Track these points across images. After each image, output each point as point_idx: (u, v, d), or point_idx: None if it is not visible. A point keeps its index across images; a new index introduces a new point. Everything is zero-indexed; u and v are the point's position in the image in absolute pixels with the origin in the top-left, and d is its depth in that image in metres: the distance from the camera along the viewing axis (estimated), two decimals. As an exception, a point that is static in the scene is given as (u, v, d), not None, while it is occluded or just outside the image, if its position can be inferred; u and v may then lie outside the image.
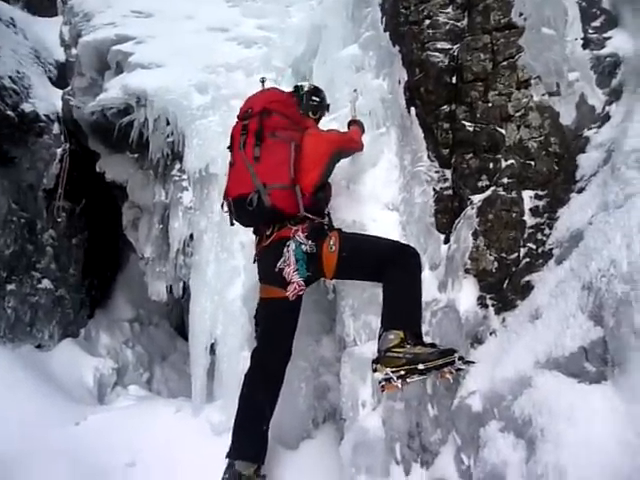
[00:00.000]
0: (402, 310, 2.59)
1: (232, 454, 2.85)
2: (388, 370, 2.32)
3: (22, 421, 3.64)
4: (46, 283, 5.70)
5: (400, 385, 2.30)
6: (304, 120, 3.13)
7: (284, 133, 2.90)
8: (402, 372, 2.31)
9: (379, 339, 2.51)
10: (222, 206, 3.04)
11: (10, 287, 5.36)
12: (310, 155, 2.93)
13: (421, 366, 2.29)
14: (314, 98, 3.35)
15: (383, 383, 2.35)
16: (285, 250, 2.81)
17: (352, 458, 2.67)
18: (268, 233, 2.92)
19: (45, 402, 4.12)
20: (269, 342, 2.99)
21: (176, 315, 7.56)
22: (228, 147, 3.08)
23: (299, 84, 3.51)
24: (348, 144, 3.25)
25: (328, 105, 3.50)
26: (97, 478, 2.77)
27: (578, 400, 1.79)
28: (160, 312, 7.38)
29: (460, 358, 2.34)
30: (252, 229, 3.10)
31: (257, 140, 2.88)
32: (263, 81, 3.35)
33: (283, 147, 2.86)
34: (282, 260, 2.80)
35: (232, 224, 3.07)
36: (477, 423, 2.19)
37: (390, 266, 2.68)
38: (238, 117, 3.08)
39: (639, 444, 1.56)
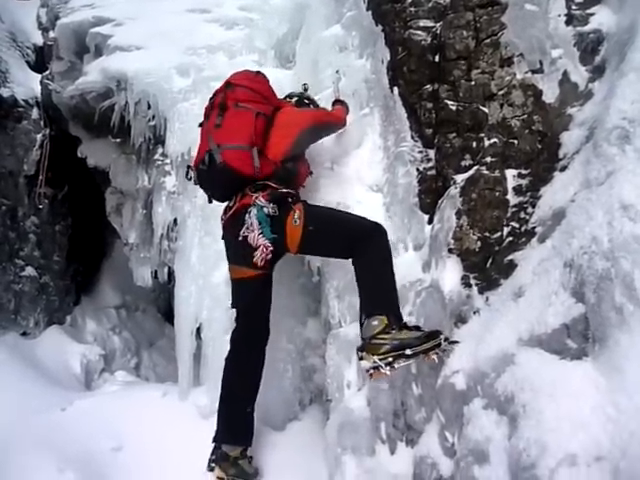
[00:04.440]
0: (381, 294, 2.53)
1: (218, 438, 2.86)
2: (375, 358, 2.29)
3: (7, 407, 3.60)
4: (30, 270, 5.62)
5: (388, 372, 2.29)
6: (278, 100, 3.16)
7: (249, 104, 2.93)
8: (390, 359, 2.28)
9: (362, 326, 2.47)
10: (186, 174, 3.07)
11: (-7, 275, 5.30)
12: (281, 127, 2.96)
13: (408, 351, 2.26)
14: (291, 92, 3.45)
15: (371, 371, 2.33)
16: (247, 217, 2.76)
17: (338, 438, 2.68)
18: (231, 204, 2.91)
19: (31, 389, 4.09)
20: (245, 323, 2.96)
21: (163, 301, 7.51)
22: (199, 125, 3.14)
23: None
24: (325, 118, 3.25)
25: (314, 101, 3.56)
26: (83, 463, 2.76)
27: (560, 376, 1.81)
28: (147, 298, 7.33)
29: (445, 339, 2.34)
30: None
31: (220, 110, 2.92)
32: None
33: (246, 114, 2.90)
34: (245, 227, 2.75)
35: (210, 201, 3.12)
36: (461, 401, 2.20)
37: (360, 246, 2.61)
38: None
39: (619, 419, 1.57)
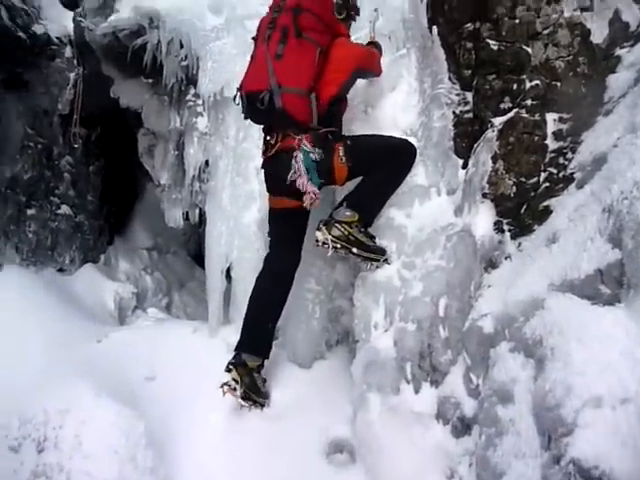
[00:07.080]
0: (369, 199, 2.91)
1: (240, 347, 3.04)
2: (330, 238, 2.77)
3: (46, 339, 3.78)
4: (65, 209, 5.76)
5: (329, 252, 2.80)
6: (337, 25, 3.02)
7: (312, 35, 2.82)
8: (338, 245, 2.78)
9: (338, 206, 2.88)
10: (234, 98, 3.01)
11: (30, 212, 5.44)
12: (335, 66, 2.87)
13: (355, 250, 2.79)
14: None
15: (319, 243, 2.81)
16: (293, 162, 2.78)
17: (363, 376, 2.74)
18: (272, 142, 2.89)
19: (68, 322, 4.26)
20: (281, 248, 3.14)
21: (193, 244, 7.65)
22: (253, 38, 3.02)
23: None
24: (371, 63, 3.13)
25: (357, 8, 3.29)
26: (118, 389, 2.90)
27: (590, 321, 1.79)
28: (178, 241, 7.48)
29: (384, 260, 2.81)
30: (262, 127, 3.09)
31: (283, 37, 2.80)
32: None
33: (308, 50, 2.80)
34: (292, 172, 2.78)
35: (246, 118, 3.07)
36: (488, 344, 2.21)
37: (385, 161, 2.89)
38: (270, 8, 3.00)
39: (648, 361, 1.57)
